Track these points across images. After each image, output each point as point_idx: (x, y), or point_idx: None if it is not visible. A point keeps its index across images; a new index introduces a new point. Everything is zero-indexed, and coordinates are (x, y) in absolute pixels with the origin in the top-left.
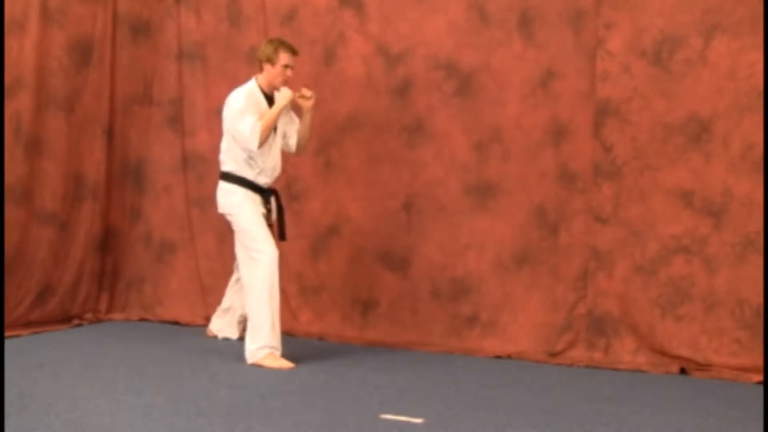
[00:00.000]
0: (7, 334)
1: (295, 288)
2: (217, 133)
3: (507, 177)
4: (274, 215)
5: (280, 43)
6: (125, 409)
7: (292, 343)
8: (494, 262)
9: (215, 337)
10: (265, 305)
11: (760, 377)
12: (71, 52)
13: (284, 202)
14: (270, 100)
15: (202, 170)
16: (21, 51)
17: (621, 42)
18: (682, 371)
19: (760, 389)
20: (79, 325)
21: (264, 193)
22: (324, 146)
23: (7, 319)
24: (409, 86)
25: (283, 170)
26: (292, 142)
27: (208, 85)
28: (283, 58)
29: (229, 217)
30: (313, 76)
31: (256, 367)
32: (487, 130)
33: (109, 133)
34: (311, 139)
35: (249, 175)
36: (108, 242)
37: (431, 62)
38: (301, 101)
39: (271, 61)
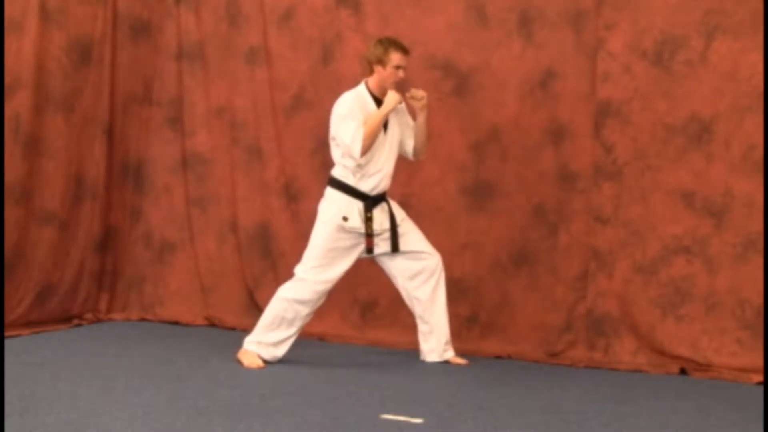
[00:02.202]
0: (7, 334)
1: None
2: (218, 132)
3: (505, 177)
4: (377, 225)
5: (391, 43)
6: (125, 409)
7: (293, 343)
8: (492, 262)
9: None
10: (273, 314)
11: (760, 377)
12: (70, 52)
13: (282, 202)
14: (380, 104)
15: (202, 170)
16: (20, 51)
17: (622, 42)
18: (682, 371)
19: (760, 389)
20: (79, 325)
21: (367, 200)
22: (320, 146)
23: (7, 319)
24: (406, 86)
25: (285, 171)
26: (409, 148)
27: (208, 85)
28: (395, 58)
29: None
30: (310, 76)
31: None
32: (485, 130)
33: (109, 133)
34: (426, 141)
35: (350, 180)
36: (108, 242)
37: (428, 62)
38: (412, 103)
39: (381, 62)
